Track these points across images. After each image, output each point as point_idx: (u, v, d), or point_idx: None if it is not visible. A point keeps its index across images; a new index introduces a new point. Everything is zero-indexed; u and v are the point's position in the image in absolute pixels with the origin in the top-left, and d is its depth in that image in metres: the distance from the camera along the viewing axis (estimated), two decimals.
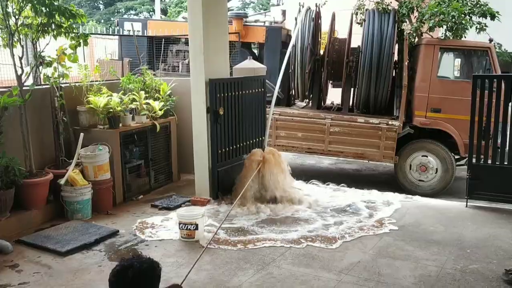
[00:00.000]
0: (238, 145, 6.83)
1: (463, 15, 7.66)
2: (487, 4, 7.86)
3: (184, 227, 5.15)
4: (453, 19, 7.62)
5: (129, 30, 9.81)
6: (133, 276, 2.22)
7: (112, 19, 28.23)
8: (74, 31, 5.64)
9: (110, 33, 10.00)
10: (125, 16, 30.44)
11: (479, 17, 7.82)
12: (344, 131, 8.19)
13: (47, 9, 5.34)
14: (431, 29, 8.07)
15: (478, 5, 7.82)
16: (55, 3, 5.41)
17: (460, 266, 4.61)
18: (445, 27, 7.91)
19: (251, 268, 4.56)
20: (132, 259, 2.33)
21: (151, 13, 30.12)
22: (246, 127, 6.93)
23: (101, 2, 31.96)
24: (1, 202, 5.17)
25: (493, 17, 7.73)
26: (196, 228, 5.13)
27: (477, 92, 6.26)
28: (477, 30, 7.92)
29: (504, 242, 5.21)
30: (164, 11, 29.40)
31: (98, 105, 6.37)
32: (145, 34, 10.04)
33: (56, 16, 5.40)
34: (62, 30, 5.49)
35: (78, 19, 5.50)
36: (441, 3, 7.95)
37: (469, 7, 7.80)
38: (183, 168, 7.74)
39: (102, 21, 28.72)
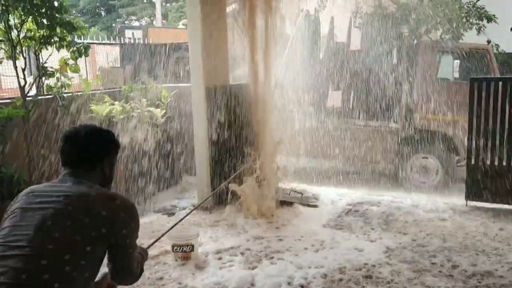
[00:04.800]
0: (239, 151, 6.90)
1: (459, 18, 7.74)
2: (483, 8, 7.92)
3: (179, 249, 4.81)
4: (451, 22, 7.70)
5: (130, 38, 9.92)
6: (86, 133, 2.16)
7: (113, 25, 28.38)
8: (76, 45, 5.74)
9: (112, 39, 10.10)
10: (126, 22, 30.59)
11: (475, 20, 7.88)
12: (344, 134, 8.25)
13: (49, 22, 5.44)
14: (427, 31, 8.14)
15: (474, 7, 7.87)
16: (57, 16, 5.51)
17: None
18: (441, 29, 7.97)
19: None
20: None
21: (152, 18, 30.27)
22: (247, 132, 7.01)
23: (102, 8, 32.12)
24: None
25: (489, 20, 7.79)
26: (192, 249, 4.85)
27: (474, 94, 6.33)
28: (477, 31, 7.99)
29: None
30: (165, 16, 29.54)
31: (101, 113, 6.46)
32: (146, 42, 10.14)
33: (57, 29, 5.50)
34: (65, 43, 5.58)
35: (79, 31, 5.60)
36: (436, 6, 8.02)
37: (465, 10, 7.86)
38: (190, 171, 7.81)
39: (104, 27, 28.87)
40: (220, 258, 4.95)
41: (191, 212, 4.94)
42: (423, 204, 6.68)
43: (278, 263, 4.79)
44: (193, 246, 4.86)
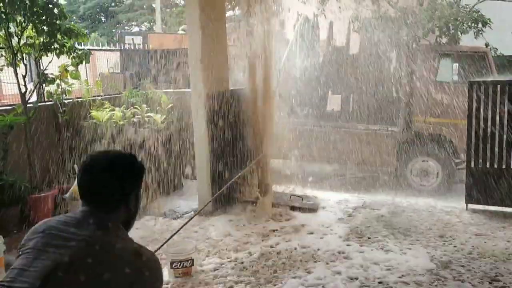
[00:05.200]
0: (239, 155, 6.93)
1: (456, 22, 7.79)
2: (479, 11, 7.98)
3: (180, 265, 4.58)
4: (446, 25, 7.75)
5: (129, 44, 9.96)
6: (107, 166, 1.84)
7: (114, 31, 28.48)
8: (77, 51, 5.78)
9: (112, 45, 10.15)
10: (126, 27, 30.69)
11: (471, 23, 7.94)
12: (344, 138, 8.27)
13: (49, 28, 5.48)
14: (424, 34, 8.19)
15: (470, 12, 7.93)
16: (57, 22, 5.55)
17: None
18: (438, 32, 8.02)
19: None
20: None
21: (152, 23, 30.35)
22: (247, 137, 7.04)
23: (102, 14, 32.23)
24: (6, 220, 5.27)
25: (484, 24, 7.85)
26: (192, 264, 4.64)
27: (473, 97, 6.36)
28: (475, 34, 8.06)
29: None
30: (164, 21, 29.62)
31: (101, 119, 6.50)
32: (146, 48, 10.19)
33: (58, 36, 5.54)
34: (65, 49, 5.63)
35: (79, 39, 5.64)
36: (431, 9, 8.08)
37: (462, 14, 7.91)
38: (190, 176, 7.83)
39: (104, 33, 28.97)
40: (222, 276, 4.64)
41: (191, 219, 4.85)
42: (427, 209, 6.65)
43: (291, 282, 4.42)
44: (192, 260, 4.65)
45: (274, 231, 5.80)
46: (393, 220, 6.21)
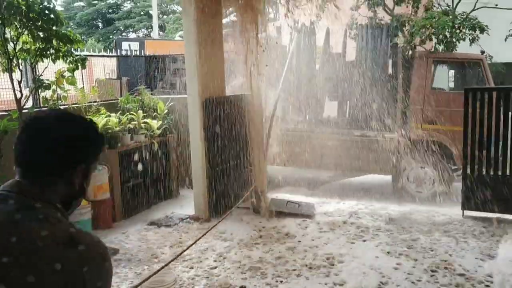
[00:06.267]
0: (235, 162, 6.92)
1: (453, 29, 7.83)
2: (476, 18, 8.02)
3: None
4: (443, 32, 7.79)
5: (126, 50, 9.97)
6: (54, 124, 1.40)
7: (111, 37, 28.52)
8: (72, 55, 5.77)
9: (108, 51, 10.14)
10: (124, 33, 30.75)
11: (468, 30, 7.98)
12: (340, 144, 8.26)
13: (45, 34, 5.46)
14: (422, 42, 8.22)
15: (468, 19, 7.97)
16: (53, 28, 5.53)
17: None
18: (435, 40, 8.05)
19: None
20: None
21: (149, 29, 30.42)
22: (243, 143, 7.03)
23: (99, 20, 32.27)
24: None
25: (482, 30, 7.88)
26: None
27: (469, 104, 6.38)
28: (470, 41, 8.09)
29: None
30: (162, 28, 29.69)
31: (97, 125, 6.47)
32: (143, 54, 10.19)
33: (54, 42, 5.52)
34: (60, 54, 5.61)
35: (75, 45, 5.62)
36: (429, 17, 8.11)
37: (459, 21, 7.94)
38: (187, 182, 7.80)
39: (101, 39, 29.00)
40: None
41: (197, 240, 4.67)
42: (428, 215, 6.64)
43: None
44: None
45: (283, 243, 5.61)
46: (408, 229, 6.09)
